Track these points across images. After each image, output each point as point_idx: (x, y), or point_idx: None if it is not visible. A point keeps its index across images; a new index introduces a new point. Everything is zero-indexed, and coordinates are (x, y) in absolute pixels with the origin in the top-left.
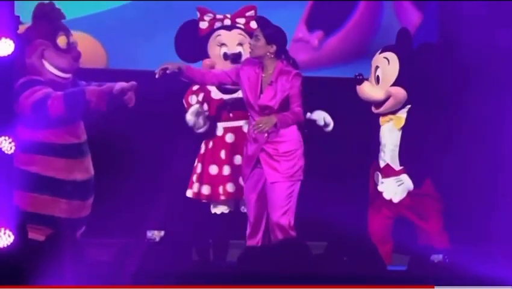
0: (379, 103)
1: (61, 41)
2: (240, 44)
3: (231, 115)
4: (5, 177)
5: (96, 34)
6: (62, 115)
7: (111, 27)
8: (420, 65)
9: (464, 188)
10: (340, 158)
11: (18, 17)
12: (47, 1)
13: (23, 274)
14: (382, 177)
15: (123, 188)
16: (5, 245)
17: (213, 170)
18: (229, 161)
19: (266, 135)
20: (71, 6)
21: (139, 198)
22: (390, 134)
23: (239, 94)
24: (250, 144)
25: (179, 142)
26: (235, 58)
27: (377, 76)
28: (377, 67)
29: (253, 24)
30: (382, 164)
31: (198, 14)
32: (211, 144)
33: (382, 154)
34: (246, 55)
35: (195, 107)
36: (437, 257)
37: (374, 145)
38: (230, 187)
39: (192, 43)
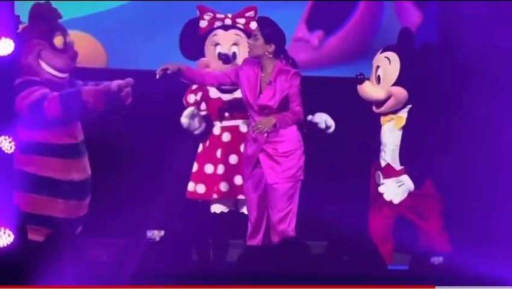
0: (380, 103)
1: (58, 41)
2: (235, 44)
3: (228, 114)
4: (5, 176)
5: (95, 33)
6: (59, 116)
7: (111, 27)
8: (421, 65)
9: (464, 188)
10: (341, 158)
11: (19, 16)
12: (44, 1)
13: (23, 274)
14: (383, 178)
15: (123, 188)
16: (5, 245)
17: (208, 168)
18: (225, 160)
19: (266, 135)
20: (70, 6)
21: (139, 198)
22: (391, 134)
23: (237, 94)
24: (250, 144)
25: (179, 141)
26: (226, 58)
27: (378, 75)
28: (378, 67)
29: (253, 25)
30: (382, 164)
31: (198, 13)
32: (207, 143)
33: (382, 154)
34: (241, 56)
35: (189, 109)
36: (437, 260)
37: (375, 145)
38: (223, 186)
39: (192, 41)
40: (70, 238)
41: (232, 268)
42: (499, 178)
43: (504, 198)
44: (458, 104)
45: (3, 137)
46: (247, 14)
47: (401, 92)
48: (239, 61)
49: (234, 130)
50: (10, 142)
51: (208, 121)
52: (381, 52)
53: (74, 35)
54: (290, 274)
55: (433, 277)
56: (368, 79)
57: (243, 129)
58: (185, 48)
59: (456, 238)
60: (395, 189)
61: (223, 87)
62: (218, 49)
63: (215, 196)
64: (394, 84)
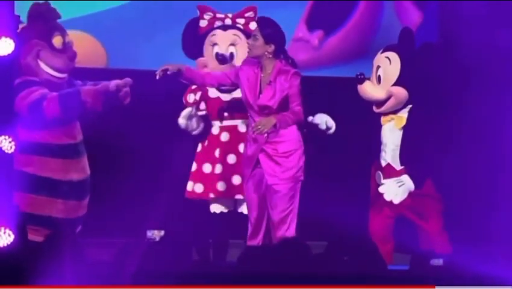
0: (380, 103)
1: (57, 41)
2: (233, 44)
3: (227, 114)
4: (5, 176)
5: (95, 33)
6: (58, 116)
7: (111, 27)
8: (421, 65)
9: (464, 188)
10: (341, 158)
11: (19, 16)
12: (43, 1)
13: (23, 274)
14: (384, 178)
15: (123, 187)
16: (5, 245)
17: (206, 168)
18: (223, 160)
19: (265, 135)
20: (70, 6)
21: (139, 198)
22: (391, 134)
23: (236, 94)
24: (250, 145)
25: (179, 141)
26: (223, 58)
27: (379, 75)
28: (378, 67)
29: (252, 26)
30: (383, 164)
31: (198, 13)
32: (206, 142)
33: (383, 154)
34: (239, 56)
35: (187, 110)
36: (437, 262)
37: (375, 145)
38: (221, 186)
39: (193, 40)
40: (70, 238)
41: (232, 268)
42: (499, 178)
43: (504, 198)
44: (458, 104)
45: (3, 137)
46: (246, 15)
47: (401, 92)
48: (236, 61)
49: (232, 130)
50: (10, 142)
51: (207, 121)
52: (382, 52)
53: (74, 35)
54: (290, 274)
55: (434, 277)
56: (368, 79)
57: (242, 129)
58: (186, 47)
59: (456, 238)
60: (395, 189)
61: (222, 87)
62: (216, 49)
63: (212, 195)
64: (395, 84)
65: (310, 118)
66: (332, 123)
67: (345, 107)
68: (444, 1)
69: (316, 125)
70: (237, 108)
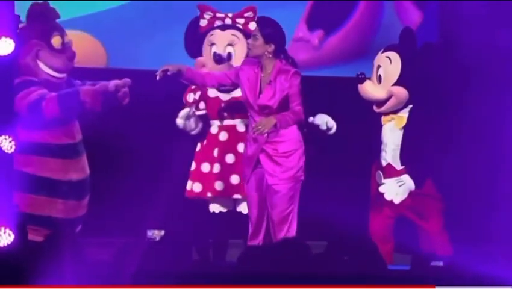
0: (381, 103)
1: (56, 41)
2: (230, 44)
3: (226, 114)
4: (5, 176)
5: (95, 33)
6: (57, 116)
7: (111, 27)
8: (422, 65)
9: (464, 188)
10: (341, 158)
11: (19, 16)
12: (42, 1)
13: (23, 274)
14: (384, 177)
15: (123, 187)
16: (5, 245)
17: (205, 167)
18: (221, 159)
19: (266, 135)
20: (70, 6)
21: (139, 197)
22: (392, 134)
23: (235, 93)
24: (250, 145)
25: (179, 141)
26: (220, 58)
27: (379, 75)
28: (379, 66)
29: (252, 26)
30: (383, 164)
31: (198, 12)
32: (205, 142)
33: (383, 153)
34: (236, 56)
35: (185, 110)
36: (437, 262)
37: (375, 144)
38: (219, 185)
39: (193, 39)
40: (70, 238)
41: (232, 268)
42: (499, 178)
43: (504, 198)
44: (458, 104)
45: (3, 137)
46: (246, 15)
47: (402, 92)
48: (234, 61)
49: (231, 129)
50: (10, 142)
51: (205, 121)
52: (382, 52)
53: (74, 35)
54: (289, 274)
55: (434, 277)
56: (369, 78)
57: (240, 128)
58: (188, 47)
59: (456, 238)
60: (396, 189)
61: (221, 87)
62: (214, 49)
63: (209, 195)
64: (395, 84)
65: (311, 119)
66: (332, 124)
67: (345, 107)
68: (444, 1)
69: (317, 126)
70: (236, 108)
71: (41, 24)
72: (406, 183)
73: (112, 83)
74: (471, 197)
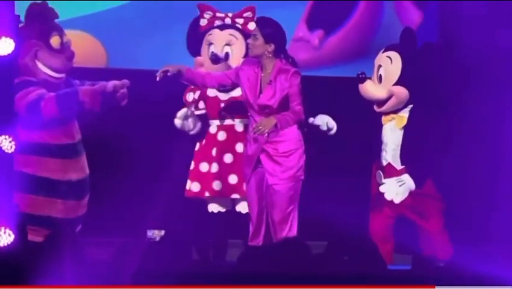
0: (381, 102)
1: (55, 41)
2: (228, 44)
3: (224, 113)
4: (5, 176)
5: (95, 33)
6: (55, 116)
7: (111, 27)
8: (422, 65)
9: (464, 188)
10: (342, 157)
11: (19, 16)
12: (41, 1)
13: (23, 274)
14: (384, 177)
15: (123, 187)
16: (5, 245)
17: (203, 167)
18: (219, 159)
19: (266, 135)
20: (70, 6)
21: (139, 197)
22: (392, 133)
23: (234, 93)
24: (250, 144)
25: (179, 140)
26: (216, 58)
27: (380, 75)
28: (380, 66)
29: (251, 26)
30: (384, 163)
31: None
32: (204, 141)
33: (384, 153)
34: (234, 56)
35: (183, 111)
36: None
37: (376, 144)
38: (216, 185)
39: (194, 39)
40: (70, 238)
41: (232, 268)
42: (499, 178)
43: (504, 198)
44: (458, 104)
45: (3, 137)
46: (245, 15)
47: (402, 91)
48: (231, 61)
49: (229, 129)
50: (10, 142)
51: (204, 121)
52: (383, 52)
53: (74, 34)
54: (289, 274)
55: (434, 277)
56: (369, 78)
57: (239, 128)
58: (189, 46)
59: (456, 238)
60: (396, 189)
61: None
62: (212, 49)
63: (207, 194)
64: (396, 84)
65: (311, 119)
66: (333, 124)
67: (345, 107)
68: (444, 1)
69: (317, 126)
70: (235, 108)
71: (40, 25)
72: (407, 182)
73: (111, 84)
74: (471, 197)
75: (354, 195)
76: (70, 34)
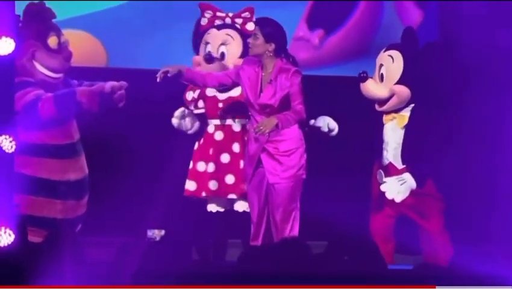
0: (383, 101)
1: (52, 41)
2: (223, 44)
3: (222, 113)
4: (5, 176)
5: (95, 33)
6: (53, 116)
7: (110, 26)
8: (424, 65)
9: (464, 188)
10: (342, 157)
11: (19, 16)
12: (38, 1)
13: (23, 274)
14: (385, 176)
15: (124, 187)
16: (6, 245)
17: (200, 166)
18: (216, 159)
19: (267, 134)
20: (70, 5)
21: (139, 197)
22: (393, 133)
23: (232, 92)
24: (251, 144)
25: (179, 140)
26: (209, 58)
27: (382, 74)
28: (381, 65)
29: (249, 26)
30: (385, 163)
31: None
32: (202, 141)
33: (385, 152)
34: (229, 56)
35: (180, 110)
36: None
37: (377, 143)
38: (213, 185)
39: (195, 38)
40: (70, 238)
41: (232, 268)
42: (499, 178)
43: (504, 198)
44: (458, 104)
45: (3, 136)
46: (243, 15)
47: (404, 91)
48: (227, 61)
49: (227, 129)
50: (11, 141)
51: (203, 120)
52: (385, 51)
53: (73, 34)
54: (290, 273)
55: (434, 277)
56: (371, 77)
57: (236, 128)
58: (193, 45)
59: (456, 238)
60: (397, 188)
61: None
62: (208, 48)
63: (204, 194)
64: (397, 83)
65: (312, 121)
66: (334, 125)
67: (346, 106)
68: (444, 1)
69: (318, 128)
70: (232, 107)
71: (37, 25)
72: (408, 181)
73: (109, 85)
74: (471, 197)
75: (354, 195)
76: (70, 34)
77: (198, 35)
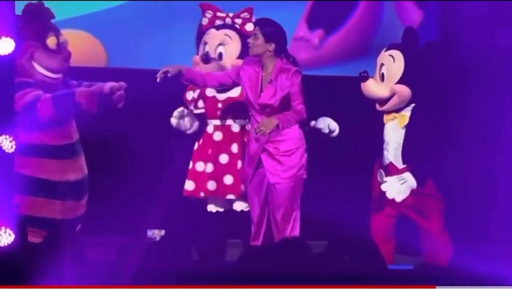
0: (384, 101)
1: (51, 42)
2: (221, 44)
3: (221, 113)
4: (5, 176)
5: (95, 32)
6: (52, 117)
7: (110, 26)
8: (425, 64)
9: (464, 188)
10: (343, 156)
11: (19, 16)
12: (37, 1)
13: (23, 274)
14: (386, 176)
15: (124, 187)
16: (6, 244)
17: (199, 166)
18: (214, 159)
19: (268, 135)
20: (70, 5)
21: (139, 197)
22: (394, 132)
23: (231, 93)
24: (252, 144)
25: (179, 140)
26: (206, 58)
27: (382, 73)
28: (382, 65)
29: (248, 27)
30: (385, 162)
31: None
32: (201, 141)
33: (385, 152)
34: (227, 56)
35: (178, 110)
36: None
37: (377, 143)
38: (211, 185)
39: (197, 38)
40: (70, 238)
41: (232, 268)
42: (499, 178)
43: (504, 198)
44: (458, 104)
45: (3, 136)
46: (242, 15)
47: (405, 90)
48: (225, 61)
49: (226, 129)
50: (11, 141)
51: (202, 120)
52: (386, 50)
53: (74, 34)
54: (290, 273)
55: (434, 277)
56: (372, 77)
57: (235, 128)
58: (196, 45)
59: (456, 238)
60: (398, 187)
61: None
62: (206, 48)
63: (202, 194)
64: (398, 82)
65: (312, 122)
66: (334, 126)
67: (347, 106)
68: (444, 1)
69: (319, 129)
70: (231, 108)
71: (36, 25)
72: (408, 181)
73: (108, 86)
74: (471, 197)
75: (355, 195)
76: (70, 34)
77: (199, 35)
